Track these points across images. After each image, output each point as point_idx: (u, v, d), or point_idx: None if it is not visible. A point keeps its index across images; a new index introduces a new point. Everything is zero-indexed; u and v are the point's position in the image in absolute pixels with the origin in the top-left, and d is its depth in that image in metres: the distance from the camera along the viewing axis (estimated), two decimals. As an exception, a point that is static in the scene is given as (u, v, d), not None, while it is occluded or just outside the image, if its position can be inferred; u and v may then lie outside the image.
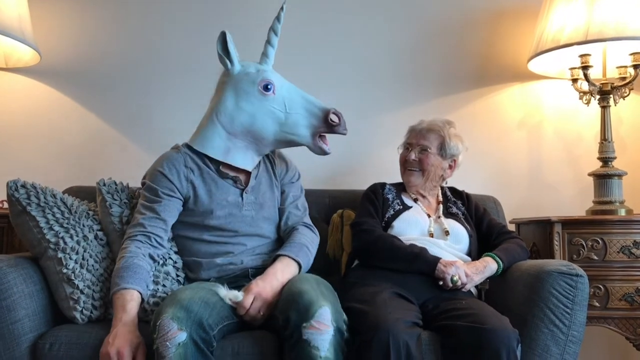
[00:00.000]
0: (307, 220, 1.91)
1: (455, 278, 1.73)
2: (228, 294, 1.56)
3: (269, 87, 1.80)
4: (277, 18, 1.83)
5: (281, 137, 1.83)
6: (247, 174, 1.85)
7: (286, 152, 2.01)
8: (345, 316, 1.52)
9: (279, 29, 1.84)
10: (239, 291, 1.58)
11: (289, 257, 1.70)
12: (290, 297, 1.51)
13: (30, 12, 2.32)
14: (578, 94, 2.41)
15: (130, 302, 1.54)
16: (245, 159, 1.83)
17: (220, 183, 1.81)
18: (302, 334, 1.40)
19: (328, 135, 1.88)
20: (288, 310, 1.47)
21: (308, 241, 1.80)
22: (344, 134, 1.86)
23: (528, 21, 2.56)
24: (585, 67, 2.25)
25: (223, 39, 1.79)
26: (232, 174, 1.82)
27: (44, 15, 2.51)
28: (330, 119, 1.81)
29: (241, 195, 1.81)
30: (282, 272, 1.65)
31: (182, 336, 1.38)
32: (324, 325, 1.41)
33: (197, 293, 1.51)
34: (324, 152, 1.86)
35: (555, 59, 2.41)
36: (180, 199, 1.78)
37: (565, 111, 2.59)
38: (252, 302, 1.57)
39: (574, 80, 2.38)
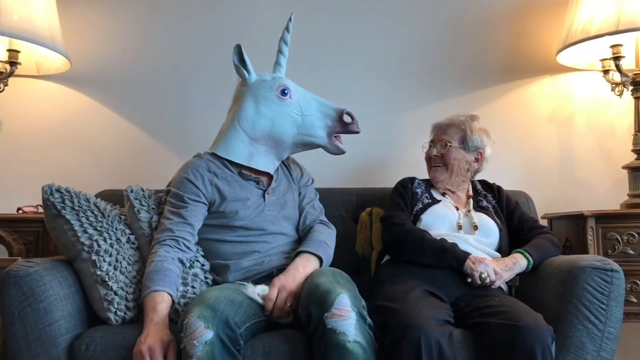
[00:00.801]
0: (323, 218, 1.98)
1: (483, 275, 1.71)
2: (255, 289, 1.59)
3: (285, 92, 1.90)
4: (287, 28, 1.95)
5: (299, 140, 1.92)
6: (268, 176, 1.93)
7: (305, 156, 2.06)
8: (364, 302, 1.53)
9: (289, 38, 1.96)
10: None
11: (308, 252, 1.74)
12: (309, 292, 1.53)
13: (60, 20, 2.36)
14: (610, 86, 2.36)
15: (161, 303, 1.57)
16: (267, 163, 1.91)
17: (243, 184, 1.87)
18: (326, 323, 1.41)
19: (342, 136, 1.97)
20: (309, 305, 1.49)
21: (326, 237, 1.85)
22: (358, 133, 1.94)
23: (556, 12, 2.51)
24: (616, 58, 2.21)
25: (239, 51, 1.89)
26: (254, 175, 1.89)
27: (74, 23, 2.55)
28: (344, 119, 1.90)
29: (263, 195, 1.87)
30: (304, 266, 1.69)
31: (209, 334, 1.39)
32: (345, 311, 1.42)
33: (223, 292, 1.54)
34: (340, 151, 1.95)
35: (586, 51, 2.36)
36: (206, 204, 1.83)
37: (597, 103, 2.54)
38: (278, 295, 1.60)
39: (606, 72, 2.34)
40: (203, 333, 1.39)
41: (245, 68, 1.91)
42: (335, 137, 1.94)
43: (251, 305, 1.56)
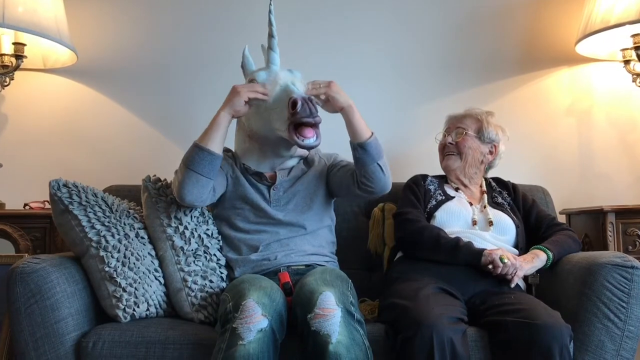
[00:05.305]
0: None
1: (504, 258, 1.67)
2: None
3: None
4: (269, 22, 1.78)
5: (277, 135, 1.75)
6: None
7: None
8: (352, 298, 1.51)
9: (274, 31, 1.77)
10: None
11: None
12: (296, 294, 1.52)
13: (66, 12, 2.34)
14: (631, 76, 2.31)
15: None
16: (260, 162, 1.86)
17: (243, 178, 1.85)
18: (310, 325, 1.39)
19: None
20: (295, 308, 1.49)
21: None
22: (311, 122, 1.63)
23: (575, 1, 2.46)
24: (638, 48, 2.17)
25: (243, 55, 1.90)
26: (254, 169, 1.86)
27: (80, 16, 2.53)
28: (292, 108, 1.62)
29: (268, 191, 1.84)
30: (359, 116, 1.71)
31: (265, 323, 1.39)
32: (328, 310, 1.39)
33: (272, 284, 1.54)
34: (300, 146, 1.67)
35: (605, 41, 2.32)
36: (225, 177, 1.82)
37: (617, 95, 2.48)
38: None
39: (627, 62, 2.30)
40: (259, 320, 1.39)
41: (244, 72, 1.91)
42: (296, 128, 1.65)
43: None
